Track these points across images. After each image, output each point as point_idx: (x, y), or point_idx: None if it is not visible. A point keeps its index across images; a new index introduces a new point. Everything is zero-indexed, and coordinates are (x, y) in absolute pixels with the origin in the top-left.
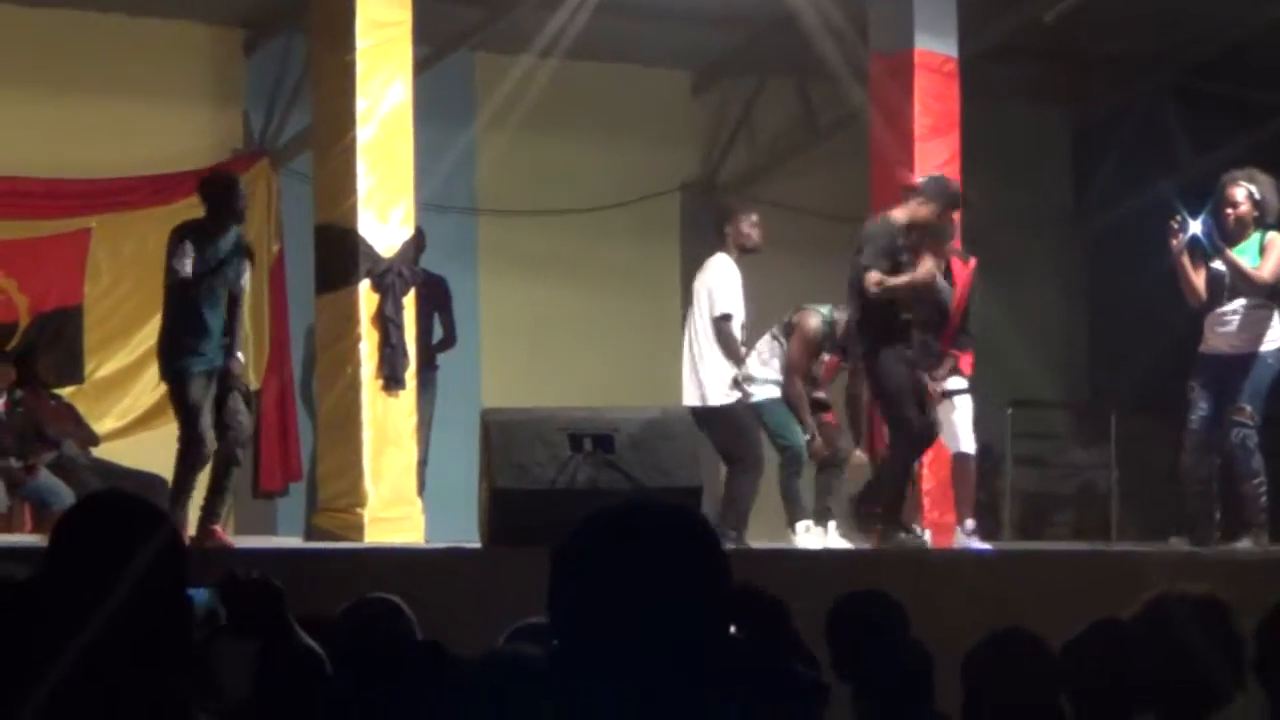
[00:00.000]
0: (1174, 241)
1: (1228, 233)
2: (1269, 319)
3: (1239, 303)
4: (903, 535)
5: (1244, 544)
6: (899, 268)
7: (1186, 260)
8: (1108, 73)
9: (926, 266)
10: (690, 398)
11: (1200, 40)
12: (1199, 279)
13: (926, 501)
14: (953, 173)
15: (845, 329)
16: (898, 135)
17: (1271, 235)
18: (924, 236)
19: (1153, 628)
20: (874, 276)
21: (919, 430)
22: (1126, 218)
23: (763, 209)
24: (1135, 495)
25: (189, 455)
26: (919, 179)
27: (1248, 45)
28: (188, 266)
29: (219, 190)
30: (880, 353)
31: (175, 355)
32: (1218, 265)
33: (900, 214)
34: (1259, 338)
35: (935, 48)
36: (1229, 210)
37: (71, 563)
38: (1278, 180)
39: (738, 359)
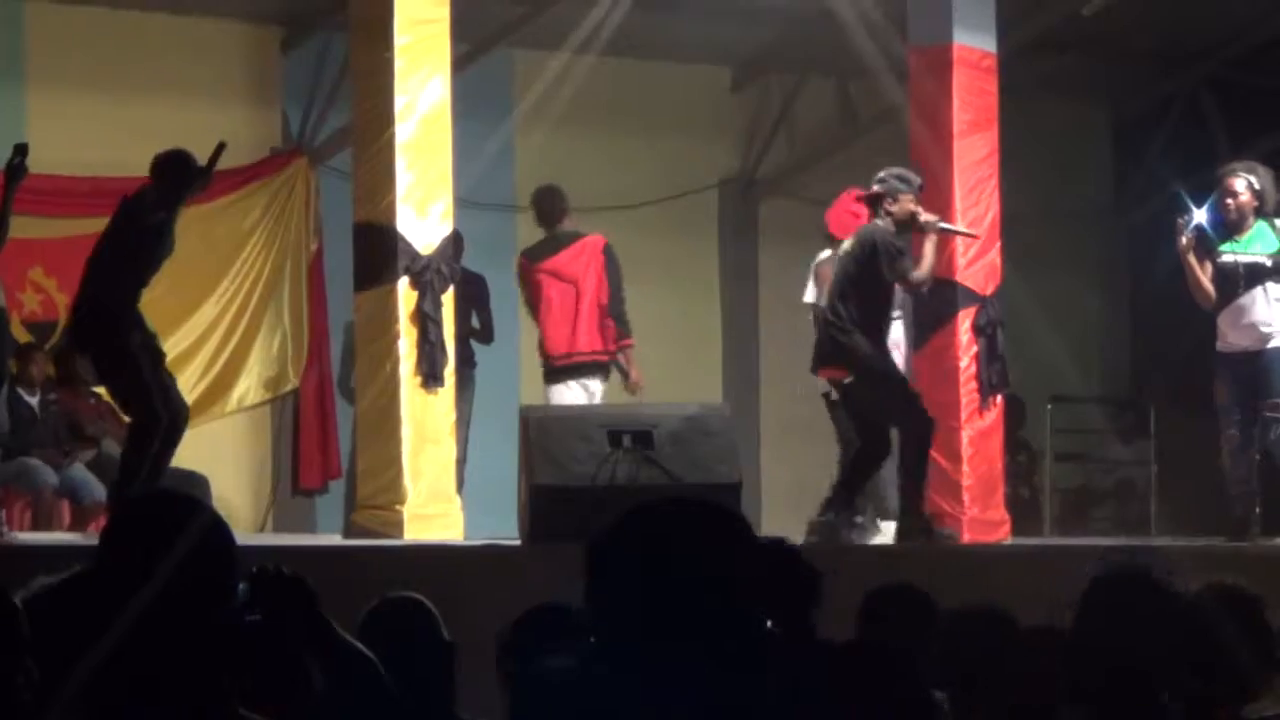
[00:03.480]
0: (1182, 240)
1: (1228, 224)
2: None
3: (1258, 292)
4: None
5: None
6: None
7: (1194, 259)
8: (1147, 66)
9: (929, 244)
10: None
11: (1239, 33)
12: (1206, 277)
13: (967, 497)
14: (991, 168)
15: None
16: (937, 131)
17: None
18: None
19: (1181, 618)
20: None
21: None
22: (1167, 212)
23: (803, 205)
24: (1175, 490)
25: (149, 436)
26: (875, 186)
27: None
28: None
29: (180, 169)
30: (871, 354)
31: (123, 329)
32: (1226, 260)
33: (881, 222)
34: (1278, 330)
35: (974, 43)
36: (1229, 201)
37: (123, 560)
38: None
39: None
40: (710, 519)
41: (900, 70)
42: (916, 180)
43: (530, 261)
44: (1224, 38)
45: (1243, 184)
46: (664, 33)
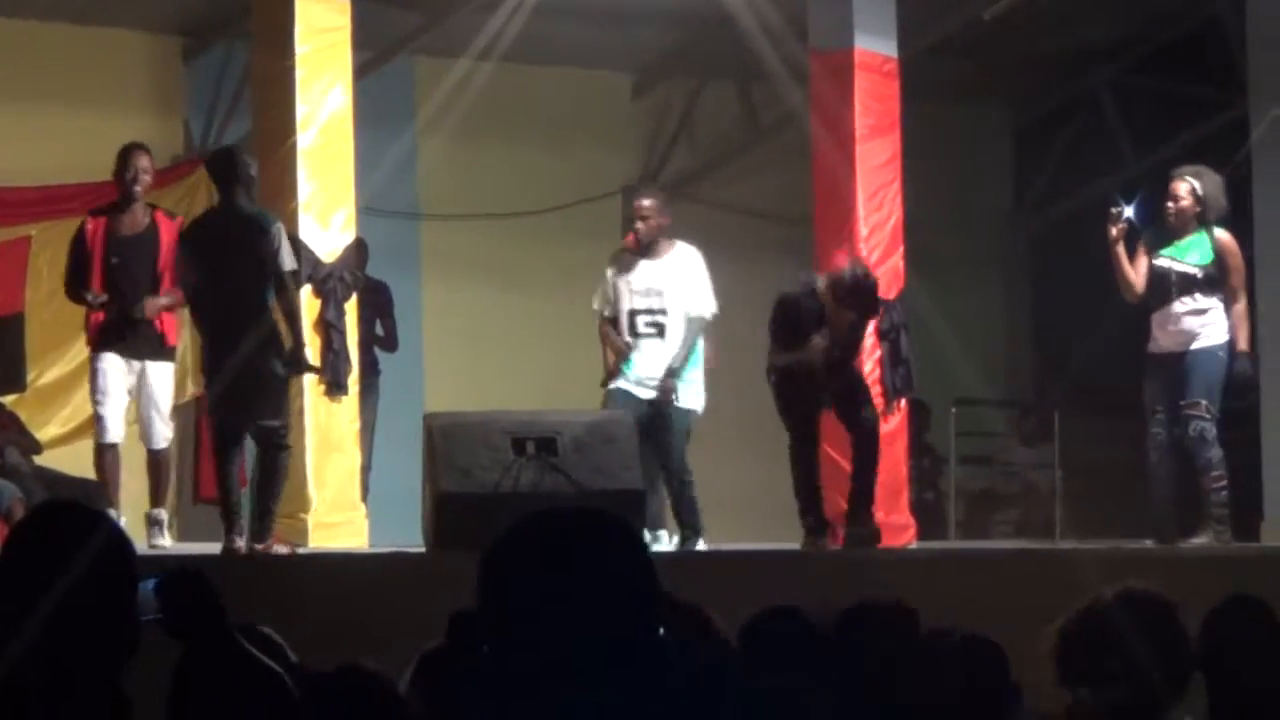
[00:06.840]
0: (1113, 229)
1: (1169, 227)
2: (1217, 315)
3: (1186, 300)
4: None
5: (1201, 539)
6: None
7: (1122, 250)
8: (1048, 70)
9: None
10: None
11: (1139, 37)
12: (1136, 273)
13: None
14: (893, 172)
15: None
16: (838, 135)
17: (1219, 234)
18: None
19: (1093, 627)
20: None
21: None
22: (1068, 215)
23: (705, 210)
24: (1079, 494)
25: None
26: (846, 262)
27: (1186, 41)
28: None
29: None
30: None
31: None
32: (1160, 263)
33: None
34: (1207, 334)
35: (875, 47)
36: (1170, 204)
37: (20, 572)
38: (1224, 179)
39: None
40: (599, 526)
41: (802, 75)
42: None
43: None
44: (1124, 41)
45: (1186, 188)
46: (565, 39)
